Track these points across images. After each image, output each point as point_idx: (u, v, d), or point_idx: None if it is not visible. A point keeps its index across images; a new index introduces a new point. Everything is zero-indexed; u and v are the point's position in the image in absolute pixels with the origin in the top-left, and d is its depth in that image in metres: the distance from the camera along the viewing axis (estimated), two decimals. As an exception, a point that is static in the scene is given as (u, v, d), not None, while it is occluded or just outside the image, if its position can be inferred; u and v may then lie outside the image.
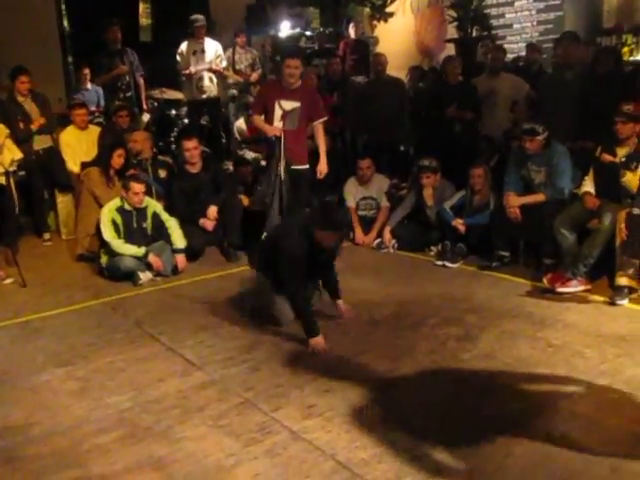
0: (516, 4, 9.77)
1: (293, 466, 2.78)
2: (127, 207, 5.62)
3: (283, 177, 5.58)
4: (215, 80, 8.65)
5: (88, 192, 6.08)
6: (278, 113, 5.56)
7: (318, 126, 5.81)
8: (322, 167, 5.76)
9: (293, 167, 5.65)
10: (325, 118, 5.87)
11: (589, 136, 5.57)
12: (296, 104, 5.56)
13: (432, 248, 5.91)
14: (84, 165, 6.59)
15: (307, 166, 5.82)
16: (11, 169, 6.06)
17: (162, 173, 6.50)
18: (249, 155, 7.08)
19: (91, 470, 2.84)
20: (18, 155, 6.17)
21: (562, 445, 2.84)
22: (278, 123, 5.57)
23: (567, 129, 5.76)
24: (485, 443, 2.88)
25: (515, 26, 9.79)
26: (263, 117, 5.70)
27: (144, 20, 10.63)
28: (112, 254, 5.50)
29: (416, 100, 7.55)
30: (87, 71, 8.52)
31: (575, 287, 4.66)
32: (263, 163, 5.82)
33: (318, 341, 3.91)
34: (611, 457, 2.74)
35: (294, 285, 4.03)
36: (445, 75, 7.05)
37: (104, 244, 5.56)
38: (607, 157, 4.94)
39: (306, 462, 2.80)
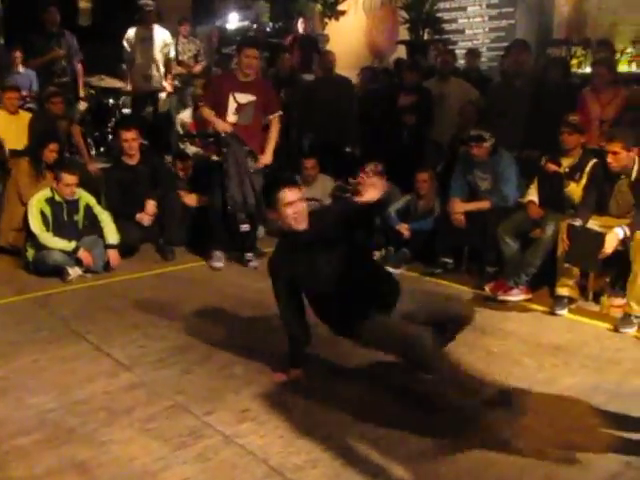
0: (469, 9, 9.96)
1: (224, 471, 2.78)
2: (57, 198, 5.51)
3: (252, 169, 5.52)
4: (162, 70, 8.50)
5: (14, 182, 5.93)
6: (232, 106, 5.48)
7: (274, 120, 5.74)
8: (266, 158, 5.65)
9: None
10: (280, 113, 5.80)
11: (535, 145, 5.74)
12: (251, 97, 5.50)
13: (376, 252, 5.97)
14: (13, 153, 6.43)
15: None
16: None
17: None
18: (190, 149, 7.01)
19: (10, 474, 2.78)
20: None
21: (498, 453, 2.92)
22: (232, 117, 5.48)
23: (514, 137, 5.92)
24: (422, 450, 2.94)
25: (467, 32, 9.98)
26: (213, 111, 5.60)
27: (84, 3, 10.45)
28: (39, 248, 5.38)
29: (365, 101, 7.62)
30: (19, 54, 8.29)
31: (516, 296, 4.80)
32: (215, 158, 5.64)
33: (297, 374, 3.57)
34: (546, 465, 2.84)
35: (280, 306, 3.52)
36: (400, 78, 7.16)
37: (31, 237, 5.44)
38: (552, 167, 5.10)
39: (237, 467, 2.81)
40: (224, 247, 5.75)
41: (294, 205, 3.32)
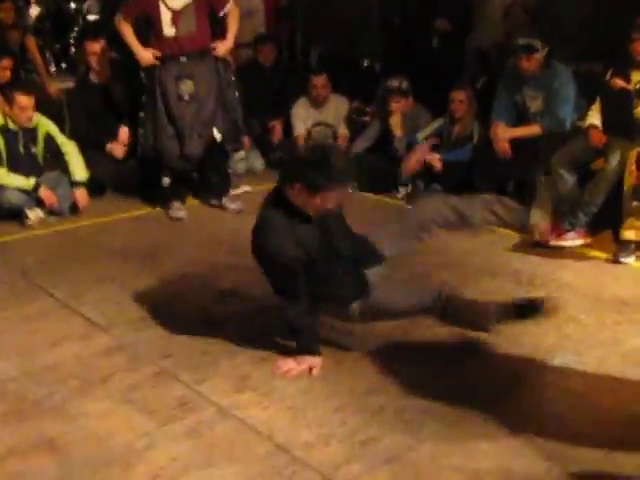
0: None
1: (220, 448, 2.83)
2: (12, 126, 5.52)
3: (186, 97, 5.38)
4: None
5: None
6: (167, 16, 5.26)
7: (231, 9, 5.48)
8: (225, 44, 5.45)
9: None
10: (231, 2, 5.53)
11: (598, 56, 5.66)
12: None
13: (400, 189, 5.98)
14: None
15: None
16: None
17: None
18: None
19: (-35, 453, 2.84)
20: None
21: (549, 425, 2.96)
22: (169, 29, 5.29)
23: (572, 46, 5.84)
24: (456, 423, 2.98)
25: None
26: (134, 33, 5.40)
27: None
28: (-8, 186, 5.41)
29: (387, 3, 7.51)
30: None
31: (573, 240, 4.80)
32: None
33: (316, 362, 3.41)
34: (603, 440, 2.87)
35: (288, 298, 3.36)
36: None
37: (-19, 173, 5.46)
38: (619, 83, 5.04)
39: (236, 444, 2.86)
40: (182, 194, 5.76)
41: (337, 203, 3.38)
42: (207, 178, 5.89)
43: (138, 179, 6.07)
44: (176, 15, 5.27)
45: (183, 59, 5.33)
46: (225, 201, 5.78)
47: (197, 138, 5.44)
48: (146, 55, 5.33)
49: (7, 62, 6.03)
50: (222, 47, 5.44)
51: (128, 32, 5.39)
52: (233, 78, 5.60)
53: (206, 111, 5.42)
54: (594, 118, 5.14)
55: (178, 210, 5.59)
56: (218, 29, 5.54)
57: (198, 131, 5.43)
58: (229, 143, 5.75)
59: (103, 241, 5.01)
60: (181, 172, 5.65)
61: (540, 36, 5.36)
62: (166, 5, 5.25)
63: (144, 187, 5.99)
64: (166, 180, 5.63)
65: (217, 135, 5.52)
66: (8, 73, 6.01)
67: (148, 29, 5.44)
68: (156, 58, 5.32)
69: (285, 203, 3.28)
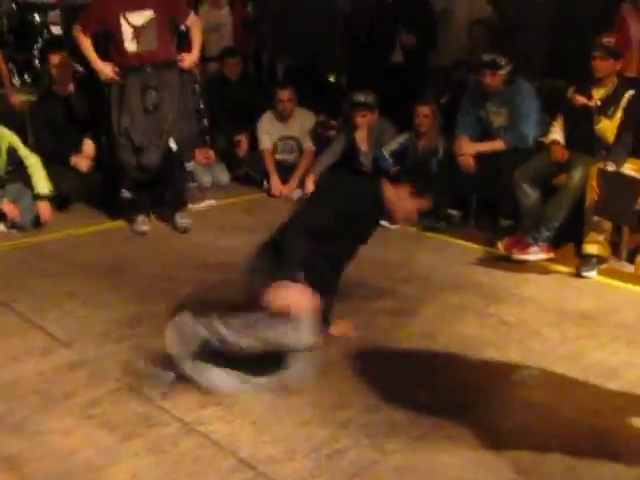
0: None
1: (184, 464, 2.81)
2: (-27, 138, 5.46)
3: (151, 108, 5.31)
4: None
5: None
6: (128, 31, 5.22)
7: (193, 22, 5.50)
8: (191, 56, 5.45)
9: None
10: (192, 13, 5.57)
11: (560, 73, 5.74)
12: (148, 13, 5.22)
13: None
14: None
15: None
16: None
17: None
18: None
19: None
20: None
21: (513, 438, 2.98)
22: (131, 45, 5.24)
23: (535, 63, 5.92)
24: (421, 437, 2.99)
25: None
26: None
27: None
28: (-48, 199, 5.35)
29: (352, 17, 7.56)
30: None
31: (536, 254, 4.86)
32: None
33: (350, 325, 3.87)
34: (566, 454, 2.90)
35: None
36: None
37: (-59, 186, 5.40)
38: (580, 99, 5.12)
39: (200, 459, 2.84)
40: (146, 209, 5.70)
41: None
42: (162, 193, 5.82)
43: (102, 192, 6.01)
44: (137, 31, 5.23)
45: (149, 70, 5.28)
46: (177, 217, 5.65)
47: (154, 148, 5.39)
48: (105, 69, 5.29)
49: None
50: (188, 59, 5.43)
51: (86, 45, 5.34)
52: (197, 89, 5.58)
53: (166, 122, 5.38)
54: (557, 134, 5.22)
55: (142, 224, 5.54)
56: (184, 42, 5.54)
57: (156, 142, 5.39)
58: (183, 154, 5.75)
59: (66, 256, 4.96)
60: (140, 184, 5.58)
61: (503, 52, 5.42)
62: (127, 21, 5.20)
63: (108, 201, 5.93)
64: (126, 193, 5.58)
65: (173, 145, 5.50)
66: None
67: (108, 42, 5.39)
68: (118, 69, 5.28)
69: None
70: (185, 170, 6.04)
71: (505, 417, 3.15)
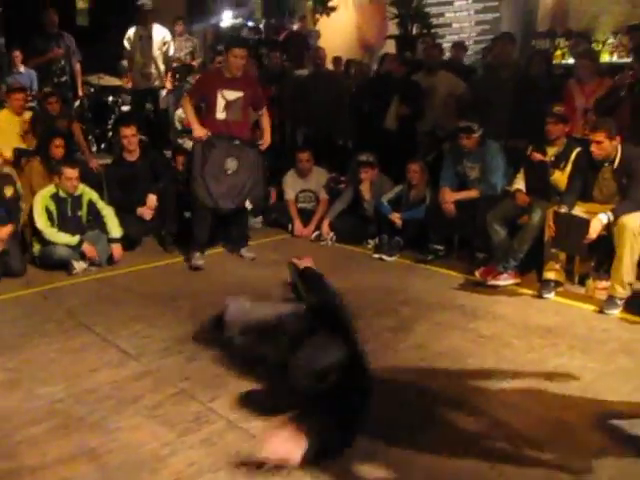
0: (455, 4, 9.97)
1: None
2: (62, 194, 5.50)
3: (229, 172, 5.43)
4: (162, 68, 8.45)
5: (26, 181, 5.91)
6: (221, 103, 5.40)
7: (263, 114, 5.71)
8: (266, 141, 5.61)
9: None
10: (264, 108, 5.75)
11: (521, 135, 5.74)
12: (239, 94, 5.43)
13: (369, 241, 6.00)
14: (20, 152, 6.42)
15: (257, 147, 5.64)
16: None
17: (8, 191, 5.46)
18: (188, 144, 6.99)
19: (22, 462, 2.78)
20: None
21: (490, 432, 2.95)
22: (221, 114, 5.41)
23: (500, 127, 5.92)
24: (417, 430, 2.96)
25: (454, 25, 9.99)
26: (196, 111, 5.52)
27: (81, 3, 10.38)
28: (45, 243, 5.37)
29: (357, 94, 7.61)
30: (18, 53, 8.28)
31: (505, 280, 4.83)
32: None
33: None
34: (537, 441, 2.87)
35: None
36: (387, 70, 7.18)
37: (36, 232, 5.43)
38: (537, 156, 5.12)
39: (243, 451, 2.82)
40: (203, 247, 5.64)
41: None
42: (229, 232, 5.92)
43: (163, 235, 6.04)
44: (228, 104, 5.40)
45: (236, 142, 5.42)
46: (242, 251, 5.75)
47: (230, 201, 5.49)
48: (200, 132, 5.38)
49: (59, 141, 6.07)
50: (265, 143, 5.61)
51: (189, 109, 5.53)
52: (266, 163, 5.71)
53: (241, 184, 5.49)
54: (519, 184, 5.21)
55: (198, 260, 5.48)
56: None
57: (232, 196, 5.49)
58: (256, 211, 5.96)
59: (134, 287, 4.97)
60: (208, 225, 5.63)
61: (476, 119, 5.44)
62: (223, 95, 5.38)
63: (169, 241, 5.96)
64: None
65: (249, 205, 5.72)
66: (61, 150, 6.04)
67: (204, 111, 5.59)
68: (209, 134, 5.38)
69: None
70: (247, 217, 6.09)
71: (483, 413, 3.12)
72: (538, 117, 5.19)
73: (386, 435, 2.91)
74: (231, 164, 5.44)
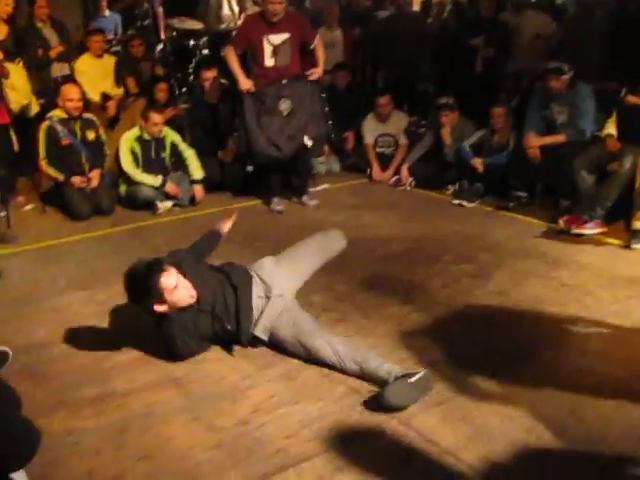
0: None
1: (307, 389, 2.87)
2: (146, 137, 5.64)
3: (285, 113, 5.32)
4: (236, 10, 8.42)
5: (129, 120, 6.06)
6: (268, 49, 5.24)
7: (318, 42, 5.46)
8: (318, 70, 5.41)
9: (296, 81, 5.33)
10: (318, 35, 5.53)
11: (614, 77, 5.46)
12: (285, 36, 5.24)
13: (449, 187, 5.89)
14: (104, 96, 6.62)
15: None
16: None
17: (90, 134, 5.67)
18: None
19: (112, 386, 2.94)
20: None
21: (571, 380, 2.90)
22: (270, 60, 5.26)
23: (592, 69, 5.65)
24: (497, 375, 2.94)
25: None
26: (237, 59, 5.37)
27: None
28: (130, 183, 5.55)
29: (441, 36, 7.39)
30: (104, -2, 8.44)
31: (591, 229, 4.66)
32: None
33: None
34: (619, 389, 2.80)
35: None
36: (477, 8, 6.91)
37: (122, 173, 5.61)
38: (632, 99, 4.87)
39: (319, 386, 2.89)
40: (280, 192, 5.62)
41: None
42: (290, 179, 5.86)
43: (241, 178, 6.11)
44: (276, 49, 5.26)
45: (284, 81, 5.29)
46: (305, 199, 5.69)
47: (290, 144, 5.38)
48: (245, 83, 5.30)
49: (163, 85, 6.33)
50: (316, 73, 5.41)
51: (233, 60, 5.34)
52: (323, 95, 5.55)
53: (300, 122, 5.38)
54: (611, 129, 4.96)
55: (278, 204, 5.52)
56: (307, 58, 5.54)
57: (290, 135, 5.36)
58: (315, 149, 5.73)
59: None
60: (274, 170, 5.59)
61: (566, 60, 5.20)
62: (268, 41, 5.24)
63: (248, 184, 6.01)
64: (250, 168, 5.63)
65: (308, 142, 5.46)
66: (165, 94, 6.28)
67: (251, 60, 5.44)
68: (258, 81, 5.30)
69: None
70: (311, 162, 6.04)
71: (565, 361, 3.06)
72: (633, 58, 4.90)
73: (465, 379, 2.91)
74: (284, 105, 5.32)
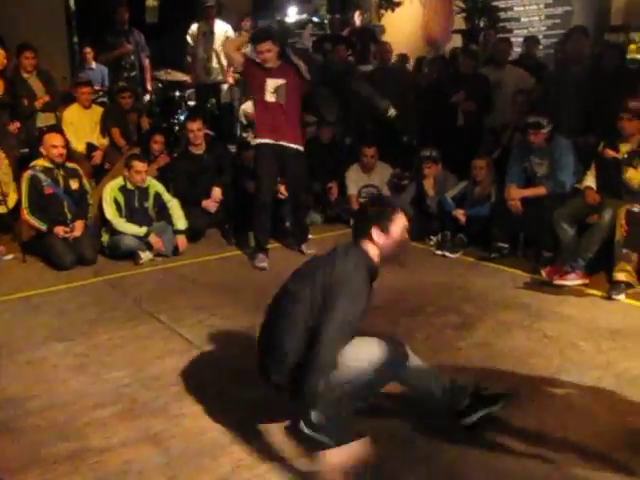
0: (525, -3, 9.73)
1: (290, 445, 2.81)
2: (129, 186, 5.65)
3: None
4: (224, 63, 8.55)
5: (120, 171, 6.07)
6: (270, 88, 5.32)
7: None
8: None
9: (283, 144, 5.39)
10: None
11: (592, 131, 5.58)
12: (281, 81, 5.31)
13: (432, 238, 5.92)
14: (89, 146, 6.66)
15: (301, 148, 5.50)
16: None
17: (74, 184, 5.65)
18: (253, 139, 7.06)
19: (89, 443, 2.87)
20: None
21: (554, 435, 2.87)
22: (270, 96, 5.32)
23: (571, 123, 5.76)
24: (479, 429, 2.90)
25: (523, 19, 9.74)
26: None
27: (150, 1, 10.60)
28: (113, 233, 5.53)
29: (421, 90, 7.52)
30: (89, 50, 8.60)
31: (573, 280, 4.69)
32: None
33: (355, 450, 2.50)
34: (603, 446, 2.78)
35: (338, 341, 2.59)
36: (458, 65, 7.07)
37: (105, 222, 5.59)
38: (610, 153, 4.96)
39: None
40: (265, 248, 5.54)
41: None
42: (288, 228, 6.00)
43: (226, 228, 6.12)
44: (275, 89, 5.32)
45: (281, 143, 5.39)
46: (303, 247, 5.69)
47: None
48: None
49: (159, 137, 6.52)
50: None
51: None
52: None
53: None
54: (590, 181, 5.05)
55: (262, 262, 5.41)
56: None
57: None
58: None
59: (199, 277, 5.06)
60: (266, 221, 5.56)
61: (545, 115, 5.30)
62: (268, 83, 5.32)
63: (232, 235, 6.04)
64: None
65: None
66: (160, 146, 6.42)
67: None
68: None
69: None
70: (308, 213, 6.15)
71: (549, 415, 3.04)
72: (610, 113, 5.01)
73: (446, 434, 2.87)
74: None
